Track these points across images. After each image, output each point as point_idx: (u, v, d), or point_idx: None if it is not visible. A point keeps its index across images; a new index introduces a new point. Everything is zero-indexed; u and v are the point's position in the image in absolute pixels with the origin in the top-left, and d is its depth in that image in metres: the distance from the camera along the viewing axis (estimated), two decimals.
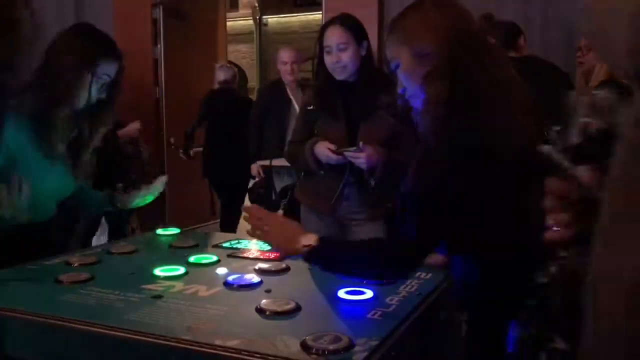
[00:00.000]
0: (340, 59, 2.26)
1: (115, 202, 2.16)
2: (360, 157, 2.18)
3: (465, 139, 1.20)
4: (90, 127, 1.96)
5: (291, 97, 4.18)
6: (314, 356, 1.07)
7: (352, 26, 2.32)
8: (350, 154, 2.20)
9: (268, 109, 4.24)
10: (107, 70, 1.89)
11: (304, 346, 1.10)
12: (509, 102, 1.24)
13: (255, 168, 4.32)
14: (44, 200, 1.90)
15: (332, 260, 1.36)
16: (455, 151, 1.20)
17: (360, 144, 2.19)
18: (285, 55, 4.29)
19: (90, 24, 2.02)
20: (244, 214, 1.47)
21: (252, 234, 1.44)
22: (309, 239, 1.35)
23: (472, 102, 1.21)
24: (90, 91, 1.86)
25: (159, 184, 2.19)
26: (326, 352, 1.08)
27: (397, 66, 1.34)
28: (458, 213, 1.22)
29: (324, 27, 2.38)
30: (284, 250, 1.45)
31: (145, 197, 2.18)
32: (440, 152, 1.21)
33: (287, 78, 4.23)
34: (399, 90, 1.36)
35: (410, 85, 1.32)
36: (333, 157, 2.24)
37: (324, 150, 2.25)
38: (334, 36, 2.28)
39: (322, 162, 2.30)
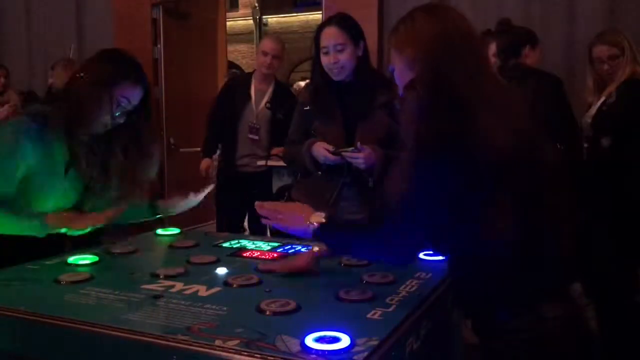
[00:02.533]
0: (338, 59, 2.25)
1: (157, 211, 2.10)
2: (358, 157, 2.18)
3: (449, 141, 1.21)
4: (125, 152, 1.90)
5: (252, 93, 3.85)
6: (314, 356, 1.07)
7: (349, 26, 2.31)
8: (348, 154, 2.20)
9: (229, 103, 3.91)
10: (127, 93, 1.81)
11: (304, 346, 1.10)
12: (494, 105, 1.25)
13: (205, 163, 4.04)
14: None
15: (339, 241, 1.45)
16: (439, 153, 1.21)
17: (358, 144, 2.19)
18: (268, 46, 3.84)
19: (118, 49, 1.95)
20: (258, 210, 1.53)
21: (270, 222, 1.52)
22: (318, 217, 1.43)
23: (456, 107, 1.22)
24: (110, 113, 1.80)
25: (202, 194, 2.15)
26: (326, 352, 1.08)
27: (394, 70, 1.40)
28: (449, 213, 1.23)
29: (320, 28, 2.37)
30: (296, 229, 1.48)
31: (187, 204, 2.12)
32: (425, 153, 1.23)
33: (262, 71, 3.83)
34: (400, 94, 1.39)
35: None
36: (331, 158, 2.23)
37: (321, 150, 2.25)
38: (331, 37, 2.27)
39: (319, 162, 2.29)
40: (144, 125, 1.92)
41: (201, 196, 2.15)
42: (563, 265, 1.31)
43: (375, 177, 2.23)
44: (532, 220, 1.24)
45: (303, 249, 1.92)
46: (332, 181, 2.34)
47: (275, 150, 3.71)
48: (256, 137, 3.79)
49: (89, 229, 1.78)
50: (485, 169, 1.20)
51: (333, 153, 2.22)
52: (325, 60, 2.28)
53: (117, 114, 1.82)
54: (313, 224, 1.42)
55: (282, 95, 3.91)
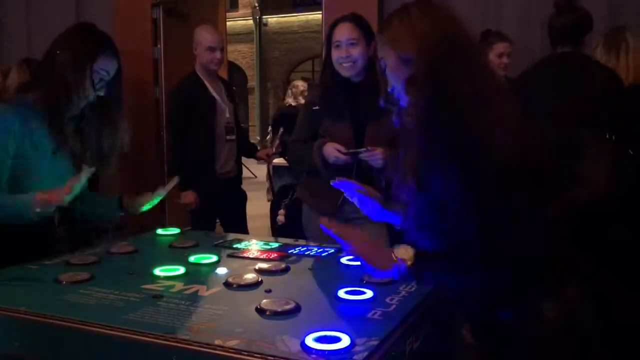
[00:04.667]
0: (350, 53, 2.27)
1: (121, 209, 2.12)
2: (376, 155, 2.18)
3: (449, 140, 1.20)
4: (100, 126, 1.95)
5: (214, 94, 3.46)
6: (314, 356, 1.07)
7: (362, 24, 2.34)
8: (366, 154, 2.20)
9: (190, 112, 3.40)
10: (106, 65, 1.88)
11: (304, 346, 1.10)
12: (493, 105, 1.25)
13: (191, 196, 3.37)
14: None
15: (437, 277, 1.31)
16: (440, 152, 1.21)
17: (368, 148, 2.20)
18: (214, 40, 3.43)
19: (90, 22, 2.02)
20: (327, 227, 1.34)
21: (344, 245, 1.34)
22: (406, 254, 1.27)
23: (455, 105, 1.22)
24: (90, 86, 1.85)
25: (167, 187, 2.17)
26: (326, 352, 1.08)
27: (386, 66, 1.38)
28: (455, 214, 1.23)
29: (334, 24, 2.38)
30: (380, 267, 1.29)
31: (153, 199, 2.14)
32: (428, 152, 1.23)
33: (212, 68, 3.47)
34: (389, 89, 1.39)
35: (396, 86, 1.35)
36: (342, 158, 2.23)
37: (333, 151, 2.24)
38: (345, 31, 2.29)
39: (329, 163, 2.29)
40: (117, 97, 1.97)
41: (165, 190, 2.15)
42: (562, 264, 1.31)
43: (388, 178, 2.23)
44: (531, 220, 1.24)
45: (303, 249, 1.92)
46: None
47: (266, 152, 3.61)
48: (233, 137, 3.50)
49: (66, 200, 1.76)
50: (486, 169, 1.20)
51: (345, 154, 2.22)
52: (336, 53, 2.29)
53: (99, 87, 1.88)
54: (403, 261, 1.26)
55: (228, 88, 3.70)
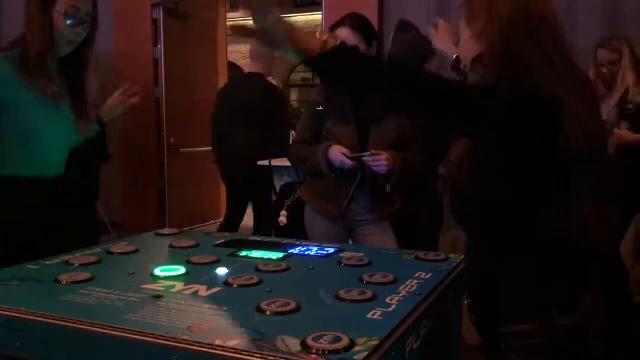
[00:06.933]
0: None
1: (101, 121, 2.24)
2: (380, 161, 2.18)
3: (510, 120, 1.19)
4: (80, 70, 1.97)
5: None
6: (314, 356, 1.07)
7: (361, 27, 2.30)
8: (369, 158, 2.19)
9: None
10: (74, 1, 1.86)
11: (304, 346, 1.10)
12: (566, 87, 1.22)
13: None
14: (53, 149, 1.93)
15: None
16: (507, 128, 1.20)
17: (372, 151, 2.20)
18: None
19: None
20: None
21: None
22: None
23: (527, 85, 1.19)
24: (61, 28, 1.84)
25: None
26: (326, 352, 1.08)
27: (459, 40, 1.38)
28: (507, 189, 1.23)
29: (332, 28, 2.36)
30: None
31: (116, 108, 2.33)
32: (490, 130, 1.22)
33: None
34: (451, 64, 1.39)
35: (467, 63, 1.35)
36: (348, 163, 2.23)
37: (339, 155, 2.24)
38: (343, 38, 2.26)
39: (334, 166, 2.29)
40: (88, 41, 1.97)
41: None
42: (580, 270, 1.30)
43: (394, 181, 2.23)
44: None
45: (303, 249, 1.92)
46: (345, 183, 2.33)
47: None
48: None
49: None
50: (550, 154, 1.19)
51: (351, 158, 2.22)
52: None
53: (73, 24, 1.86)
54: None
55: None
